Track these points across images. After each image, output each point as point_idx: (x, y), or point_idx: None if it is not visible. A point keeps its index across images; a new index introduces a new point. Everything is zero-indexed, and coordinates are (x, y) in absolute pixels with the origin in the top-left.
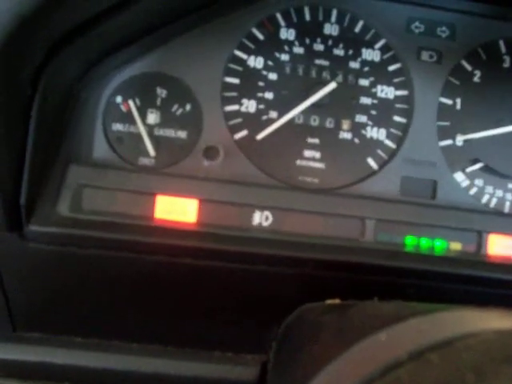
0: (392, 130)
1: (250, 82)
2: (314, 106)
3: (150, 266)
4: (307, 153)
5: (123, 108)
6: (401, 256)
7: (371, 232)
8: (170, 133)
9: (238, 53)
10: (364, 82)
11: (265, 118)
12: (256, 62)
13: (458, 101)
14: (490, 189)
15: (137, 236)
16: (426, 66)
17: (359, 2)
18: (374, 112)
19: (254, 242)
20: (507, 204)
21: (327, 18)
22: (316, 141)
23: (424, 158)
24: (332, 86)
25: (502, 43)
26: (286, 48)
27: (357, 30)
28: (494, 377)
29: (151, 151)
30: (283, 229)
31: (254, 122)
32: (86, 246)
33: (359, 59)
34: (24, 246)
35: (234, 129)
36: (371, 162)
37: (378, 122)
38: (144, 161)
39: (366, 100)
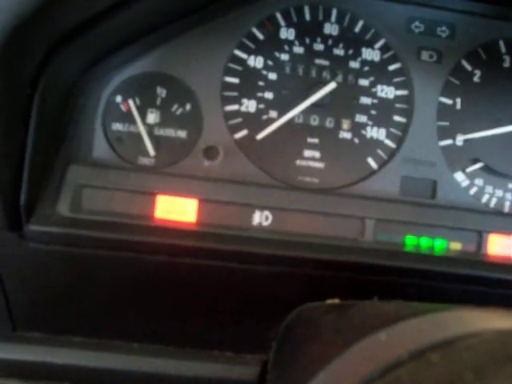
0: (392, 130)
1: (250, 82)
2: (313, 105)
3: (150, 266)
4: (307, 152)
5: (123, 108)
6: (401, 256)
7: (371, 232)
8: (169, 132)
9: (238, 52)
10: (364, 82)
11: (265, 117)
12: (256, 61)
13: (458, 100)
14: (489, 189)
15: (136, 236)
16: (426, 65)
17: (359, 1)
18: (373, 112)
19: (254, 242)
20: (507, 204)
21: (327, 18)
22: (316, 140)
23: (424, 157)
24: (332, 85)
25: (501, 43)
26: (286, 48)
27: (357, 29)
28: (494, 376)
29: (151, 151)
30: (283, 228)
31: (254, 121)
32: (85, 246)
33: (359, 59)
34: (24, 246)
35: (234, 128)
36: (371, 161)
37: (377, 122)
38: (144, 160)
39: (365, 100)
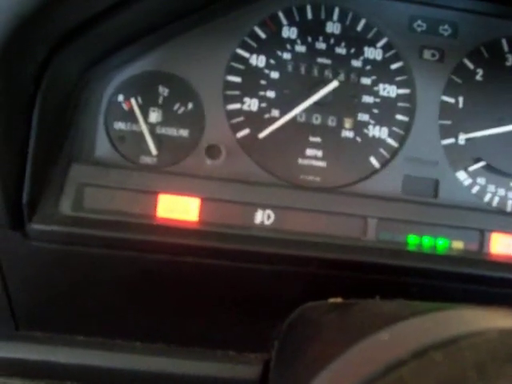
0: (394, 129)
1: (252, 81)
2: (316, 104)
3: (152, 265)
4: (309, 151)
5: (125, 106)
6: (403, 255)
7: (373, 231)
8: (171, 131)
9: (240, 51)
10: (366, 81)
11: (267, 116)
12: (258, 60)
13: (461, 99)
14: (492, 187)
15: (139, 235)
16: (428, 64)
17: (361, 0)
18: (376, 110)
19: (256, 241)
20: (509, 203)
21: (329, 17)
22: (318, 139)
23: (426, 156)
24: (334, 84)
25: (504, 42)
26: (288, 46)
27: (359, 28)
28: (497, 375)
29: (153, 150)
30: (285, 227)
31: (256, 120)
32: (88, 245)
33: (361, 58)
34: (26, 245)
35: (236, 127)
36: (373, 160)
37: (380, 121)
38: (146, 159)
39: (368, 98)
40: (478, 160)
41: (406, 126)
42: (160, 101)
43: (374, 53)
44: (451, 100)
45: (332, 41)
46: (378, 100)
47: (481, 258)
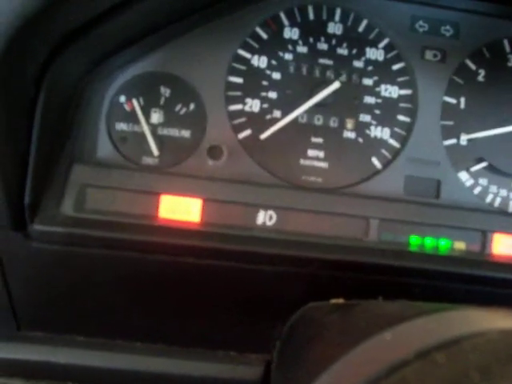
0: (396, 130)
1: (254, 82)
2: (317, 105)
3: (154, 266)
4: (311, 152)
5: (127, 107)
6: (405, 255)
7: (375, 231)
8: (173, 132)
9: (242, 52)
10: (368, 82)
11: (268, 117)
12: (260, 61)
13: (462, 100)
14: (494, 188)
15: (140, 235)
16: (430, 65)
17: (363, 1)
18: (377, 111)
19: (258, 242)
20: (511, 203)
21: (331, 17)
22: (320, 140)
23: (428, 157)
24: (336, 85)
25: (506, 42)
26: (290, 47)
27: (360, 29)
28: (500, 376)
29: (155, 151)
30: (287, 228)
31: (258, 121)
32: (89, 246)
33: (363, 58)
34: (28, 246)
35: (238, 128)
36: (375, 161)
37: (381, 122)
38: (148, 160)
39: (369, 99)
40: (479, 160)
41: (408, 127)
42: (162, 101)
43: (375, 53)
44: (453, 101)
45: (334, 41)
46: (379, 101)
47: (483, 259)
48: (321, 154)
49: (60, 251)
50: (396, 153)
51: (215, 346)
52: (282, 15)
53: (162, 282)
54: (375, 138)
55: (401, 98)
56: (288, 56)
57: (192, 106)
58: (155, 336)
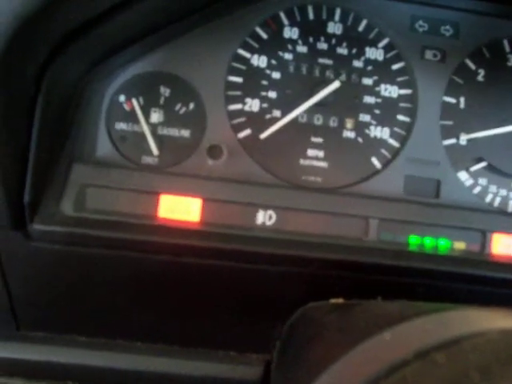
0: (396, 129)
1: (254, 81)
2: (317, 104)
3: (154, 265)
4: (311, 152)
5: (126, 107)
6: (404, 255)
7: (375, 231)
8: (173, 132)
9: (242, 52)
10: (367, 81)
11: (268, 117)
12: (259, 60)
13: (462, 100)
14: (493, 188)
15: (140, 235)
16: (430, 64)
17: (363, 0)
18: (377, 111)
19: (258, 242)
20: (511, 203)
21: (331, 17)
22: (319, 140)
23: (428, 157)
24: (335, 84)
25: (506, 42)
26: (290, 47)
27: (360, 28)
28: (500, 376)
29: (154, 150)
30: (287, 228)
31: (258, 121)
32: (89, 245)
33: (363, 58)
34: (28, 245)
35: (238, 128)
36: (375, 161)
37: (381, 121)
38: (147, 160)
39: (369, 99)
40: (479, 160)
41: (408, 127)
42: (161, 101)
43: (375, 53)
44: (453, 100)
45: (333, 41)
46: (379, 100)
47: (482, 259)
48: (320, 154)
49: (60, 251)
50: (396, 152)
51: (215, 346)
52: (282, 15)
53: (162, 282)
54: (375, 137)
55: (400, 97)
56: (288, 56)
57: (192, 106)
58: (155, 336)
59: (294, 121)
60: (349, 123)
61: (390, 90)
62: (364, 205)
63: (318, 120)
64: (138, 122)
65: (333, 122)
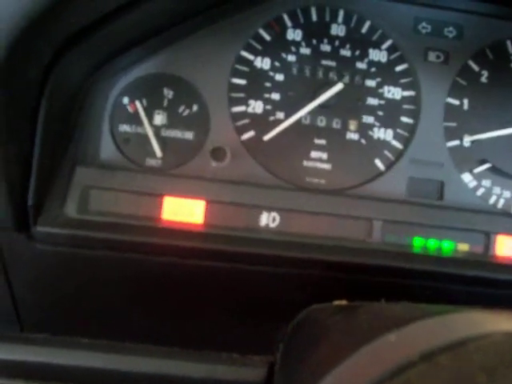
0: (399, 131)
1: (257, 83)
2: (320, 106)
3: (158, 267)
4: (314, 154)
5: (130, 109)
6: (408, 257)
7: (378, 233)
8: (176, 134)
9: (245, 54)
10: (371, 83)
11: (272, 118)
12: (263, 62)
13: (466, 101)
14: (497, 189)
15: (144, 237)
16: (433, 66)
17: (366, 2)
18: (380, 113)
19: (261, 243)
20: None
21: (334, 19)
22: (323, 142)
23: (431, 158)
24: (339, 86)
25: (509, 43)
26: (293, 49)
27: (364, 30)
28: (505, 378)
29: (158, 152)
30: (290, 230)
31: (261, 122)
32: (93, 247)
33: (366, 60)
34: (31, 247)
35: (241, 130)
36: (378, 162)
37: (385, 123)
38: (151, 162)
39: (372, 101)
40: (483, 162)
41: (411, 128)
42: (165, 103)
43: (378, 55)
44: (456, 102)
45: (337, 43)
46: (382, 102)
47: (486, 261)
48: (324, 156)
49: (63, 252)
50: (399, 154)
51: (218, 348)
52: (285, 17)
53: (166, 284)
54: (378, 139)
55: (404, 99)
56: (291, 57)
57: (195, 108)
58: (158, 338)
59: (298, 122)
60: (352, 125)
61: (394, 92)
62: (368, 206)
63: (322, 122)
64: (142, 124)
65: (336, 124)
